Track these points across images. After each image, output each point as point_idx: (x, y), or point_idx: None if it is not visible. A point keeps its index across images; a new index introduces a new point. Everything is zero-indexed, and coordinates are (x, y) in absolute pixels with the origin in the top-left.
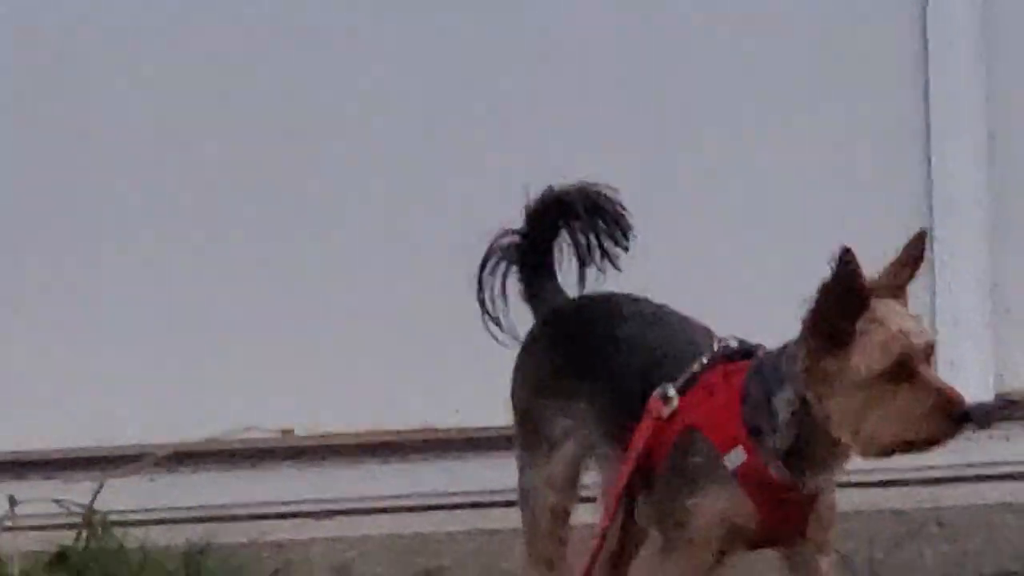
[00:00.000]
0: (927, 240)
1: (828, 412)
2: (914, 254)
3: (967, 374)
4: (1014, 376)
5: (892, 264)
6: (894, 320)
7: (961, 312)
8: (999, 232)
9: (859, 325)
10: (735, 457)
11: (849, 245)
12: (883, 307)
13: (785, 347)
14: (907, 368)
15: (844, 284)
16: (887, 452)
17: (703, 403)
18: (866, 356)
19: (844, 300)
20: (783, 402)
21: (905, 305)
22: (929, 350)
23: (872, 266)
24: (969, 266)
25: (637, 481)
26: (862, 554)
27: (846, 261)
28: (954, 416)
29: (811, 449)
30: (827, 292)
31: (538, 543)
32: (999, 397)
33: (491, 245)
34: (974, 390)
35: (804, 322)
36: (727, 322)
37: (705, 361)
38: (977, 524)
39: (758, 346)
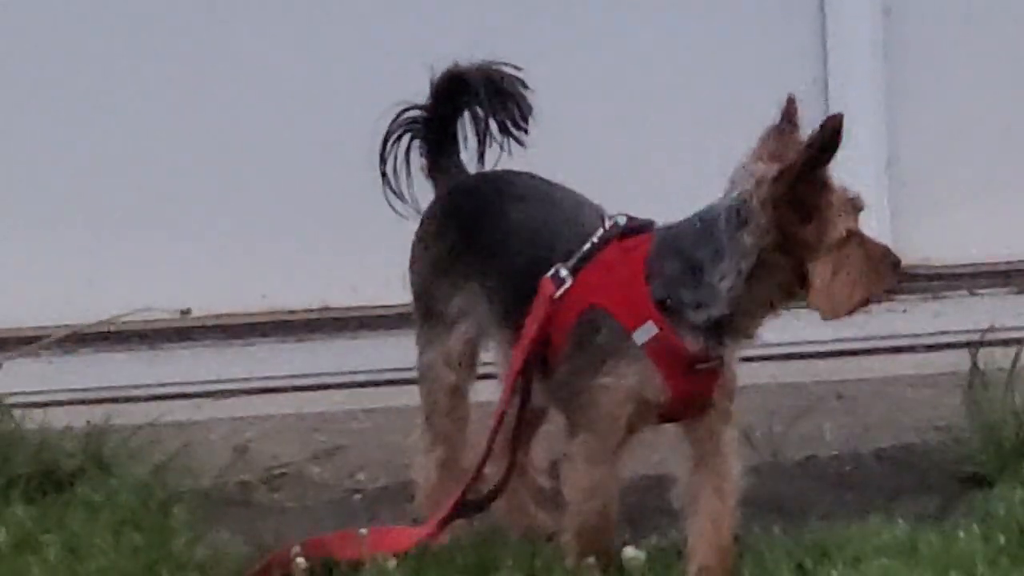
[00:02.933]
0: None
1: (808, 279)
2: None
3: None
4: (911, 249)
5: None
6: (840, 184)
7: (858, 187)
8: (894, 107)
9: (827, 195)
10: (645, 331)
11: (839, 113)
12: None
13: (702, 220)
14: (858, 230)
15: (828, 156)
16: (853, 310)
17: (603, 281)
18: (837, 223)
19: (821, 173)
20: (726, 273)
21: None
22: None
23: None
24: (865, 141)
25: (533, 362)
26: (762, 428)
27: (834, 130)
28: (894, 263)
29: (737, 320)
30: (807, 164)
31: (436, 421)
32: None
33: (395, 118)
34: None
35: (769, 194)
36: (628, 195)
37: (596, 240)
38: (876, 397)
39: (649, 221)
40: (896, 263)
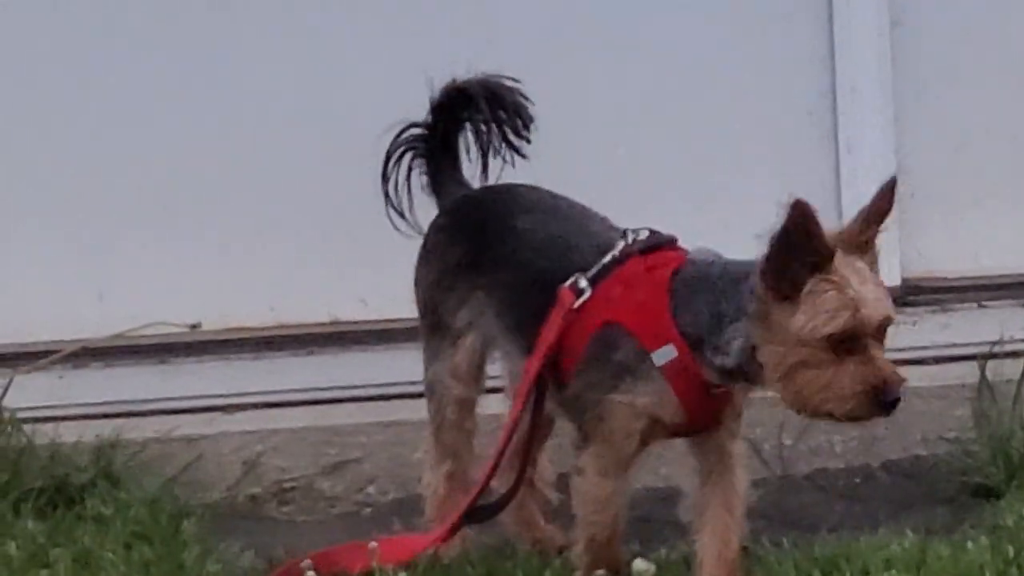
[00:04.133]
0: (895, 188)
1: (764, 358)
2: (883, 206)
3: None
4: (920, 261)
5: (860, 216)
6: (852, 286)
7: (866, 197)
8: (903, 117)
9: (811, 282)
10: (665, 354)
11: (803, 199)
12: (846, 268)
13: (735, 274)
14: (853, 340)
15: (796, 237)
16: (810, 414)
17: (622, 297)
18: (812, 316)
19: (797, 253)
20: (738, 335)
21: (873, 263)
22: (884, 325)
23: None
24: (873, 151)
25: (547, 372)
26: (772, 440)
27: (798, 214)
28: (884, 402)
29: (750, 371)
30: (779, 243)
31: (444, 434)
32: (905, 282)
33: (396, 137)
34: (881, 276)
35: (760, 268)
36: (630, 211)
37: (617, 253)
38: None
39: (670, 238)
40: (887, 403)
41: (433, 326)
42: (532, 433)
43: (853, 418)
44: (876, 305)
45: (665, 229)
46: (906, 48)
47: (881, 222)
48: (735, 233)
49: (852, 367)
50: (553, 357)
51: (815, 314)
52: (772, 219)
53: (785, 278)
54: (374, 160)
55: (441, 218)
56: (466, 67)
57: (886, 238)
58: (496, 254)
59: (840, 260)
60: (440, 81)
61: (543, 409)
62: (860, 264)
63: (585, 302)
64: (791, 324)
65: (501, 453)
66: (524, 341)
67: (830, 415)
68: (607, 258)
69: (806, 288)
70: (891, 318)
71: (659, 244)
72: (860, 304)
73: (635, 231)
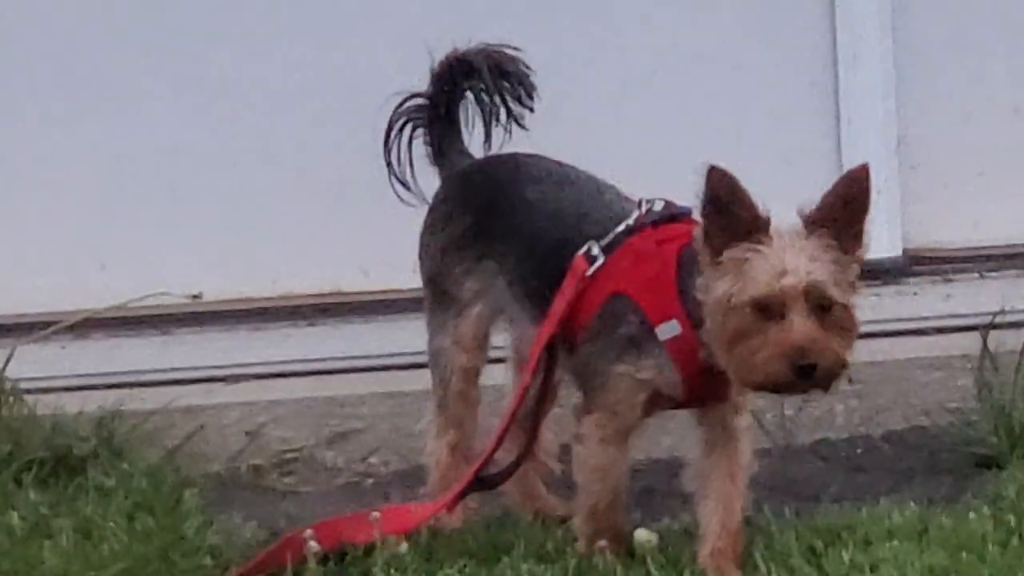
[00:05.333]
0: (868, 175)
1: (707, 327)
2: (849, 192)
3: (875, 231)
4: (921, 232)
5: (825, 196)
6: (778, 253)
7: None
8: (904, 89)
9: (738, 249)
10: (669, 329)
11: (719, 166)
12: (781, 238)
13: None
14: (772, 308)
15: (721, 201)
16: (744, 384)
17: (633, 269)
18: (734, 281)
19: (727, 218)
20: None
21: (841, 243)
22: (813, 294)
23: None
24: (875, 123)
25: (558, 339)
26: (774, 411)
27: (715, 179)
28: (797, 366)
29: None
30: (708, 207)
31: (448, 404)
32: (906, 253)
33: (398, 107)
34: (883, 247)
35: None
36: (631, 181)
37: (632, 222)
38: (886, 380)
39: (686, 210)
40: (801, 367)
41: (438, 296)
42: (539, 402)
43: (777, 388)
44: (799, 274)
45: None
46: (908, 19)
47: (849, 205)
48: None
49: (769, 335)
50: (564, 324)
51: (736, 280)
52: (774, 192)
53: (715, 245)
54: (375, 130)
55: (446, 188)
56: (467, 37)
57: (888, 209)
58: (507, 223)
59: (780, 231)
60: (441, 51)
61: (552, 377)
62: (805, 239)
63: (596, 271)
64: (717, 291)
65: (510, 421)
66: (536, 309)
67: (757, 385)
68: (621, 227)
69: (731, 254)
70: (819, 287)
71: (673, 216)
72: (781, 271)
73: (650, 201)
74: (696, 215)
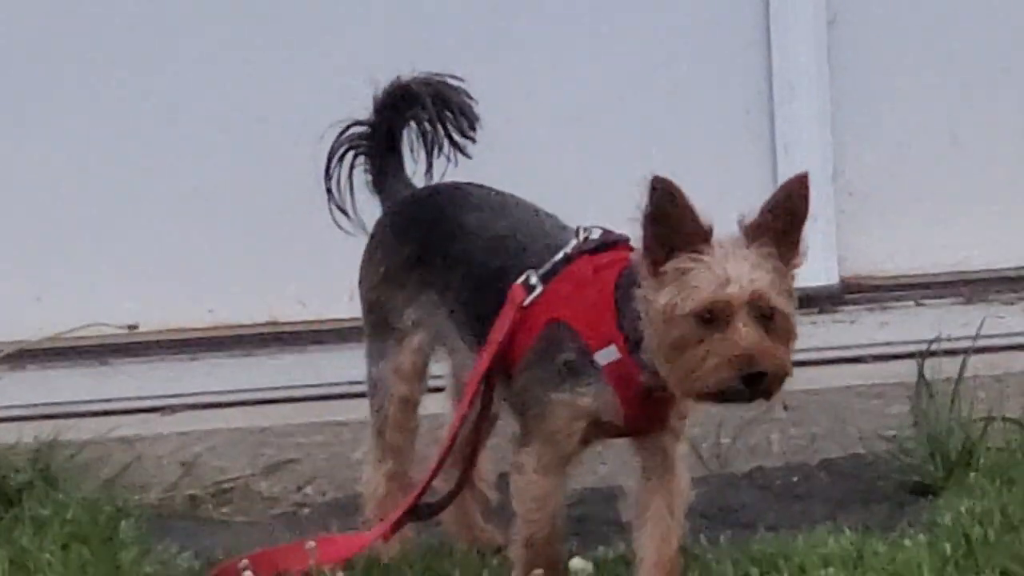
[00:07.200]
0: (807, 184)
1: (648, 341)
2: (787, 200)
3: (812, 259)
4: (858, 260)
5: (764, 206)
6: (720, 263)
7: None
8: (839, 117)
9: (678, 261)
10: (607, 355)
11: (666, 177)
12: (722, 248)
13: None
14: (716, 317)
15: (662, 212)
16: (688, 395)
17: (571, 297)
18: (676, 292)
19: (667, 229)
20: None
21: (784, 253)
22: (757, 302)
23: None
24: (810, 151)
25: (496, 368)
26: (710, 439)
27: (660, 190)
28: (743, 374)
29: None
30: (648, 218)
31: (386, 433)
32: (843, 281)
33: (339, 136)
34: (819, 275)
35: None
36: (567, 210)
37: (569, 251)
38: (823, 408)
39: (623, 237)
40: (748, 375)
41: (377, 325)
42: (477, 431)
43: (724, 397)
44: (743, 282)
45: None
46: (843, 47)
47: (787, 214)
48: None
49: (714, 343)
50: (502, 354)
51: (679, 290)
52: (713, 215)
53: (657, 256)
54: (314, 160)
55: (387, 217)
56: (410, 66)
57: (824, 237)
58: (447, 253)
59: (721, 241)
60: (384, 80)
61: (491, 407)
62: (746, 248)
63: (535, 300)
64: (656, 302)
65: (447, 450)
66: (475, 339)
67: (702, 395)
68: (558, 256)
69: (672, 266)
70: (763, 295)
71: (610, 243)
72: (725, 280)
73: (587, 229)
74: (637, 227)
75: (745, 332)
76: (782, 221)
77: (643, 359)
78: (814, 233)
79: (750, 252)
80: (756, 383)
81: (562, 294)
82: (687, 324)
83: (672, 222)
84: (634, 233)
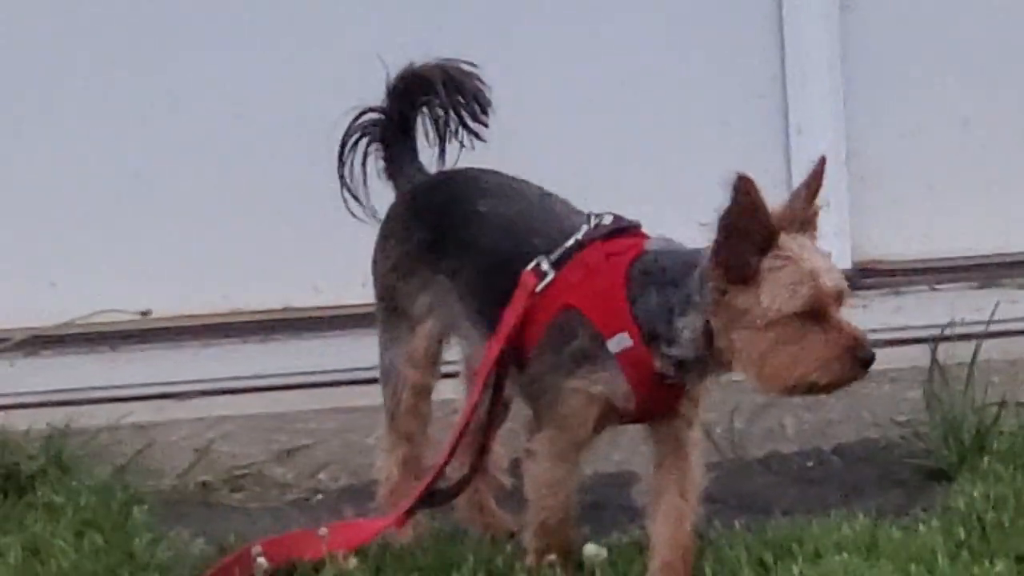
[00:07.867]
0: (824, 167)
1: (732, 346)
2: (815, 183)
3: (824, 244)
4: (871, 245)
5: (796, 195)
6: (806, 259)
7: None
8: (852, 102)
9: (767, 262)
10: (619, 341)
11: (747, 174)
12: (793, 244)
13: (686, 263)
14: (818, 311)
15: (745, 217)
16: (789, 391)
17: (583, 284)
18: (775, 295)
19: (748, 234)
20: (688, 326)
21: (814, 239)
22: (840, 294)
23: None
24: (823, 136)
25: (508, 355)
26: (724, 424)
27: (744, 192)
28: (861, 359)
29: (703, 364)
30: (729, 225)
31: (399, 419)
32: (856, 266)
33: (352, 122)
34: (833, 259)
35: (711, 254)
36: (581, 197)
37: (580, 238)
38: (837, 393)
39: (634, 223)
40: (865, 359)
41: (391, 311)
42: (490, 417)
43: (835, 384)
44: (832, 275)
45: (627, 209)
46: (856, 32)
47: (815, 199)
48: (686, 219)
49: (824, 335)
50: (514, 340)
51: (777, 292)
52: (722, 204)
53: (739, 261)
54: (328, 146)
55: (400, 203)
56: (424, 53)
57: (837, 222)
58: (459, 238)
59: (785, 238)
60: (397, 66)
61: (503, 393)
62: (804, 240)
63: (547, 286)
64: (756, 306)
65: (459, 437)
66: (487, 325)
67: (812, 386)
68: (570, 242)
69: (763, 268)
70: (847, 287)
71: (622, 230)
72: (817, 275)
73: (599, 215)
74: (714, 227)
75: (848, 321)
76: (808, 208)
77: (660, 348)
78: (827, 218)
79: (812, 245)
80: (868, 367)
81: (574, 281)
82: (792, 323)
83: (752, 224)
84: (643, 218)
